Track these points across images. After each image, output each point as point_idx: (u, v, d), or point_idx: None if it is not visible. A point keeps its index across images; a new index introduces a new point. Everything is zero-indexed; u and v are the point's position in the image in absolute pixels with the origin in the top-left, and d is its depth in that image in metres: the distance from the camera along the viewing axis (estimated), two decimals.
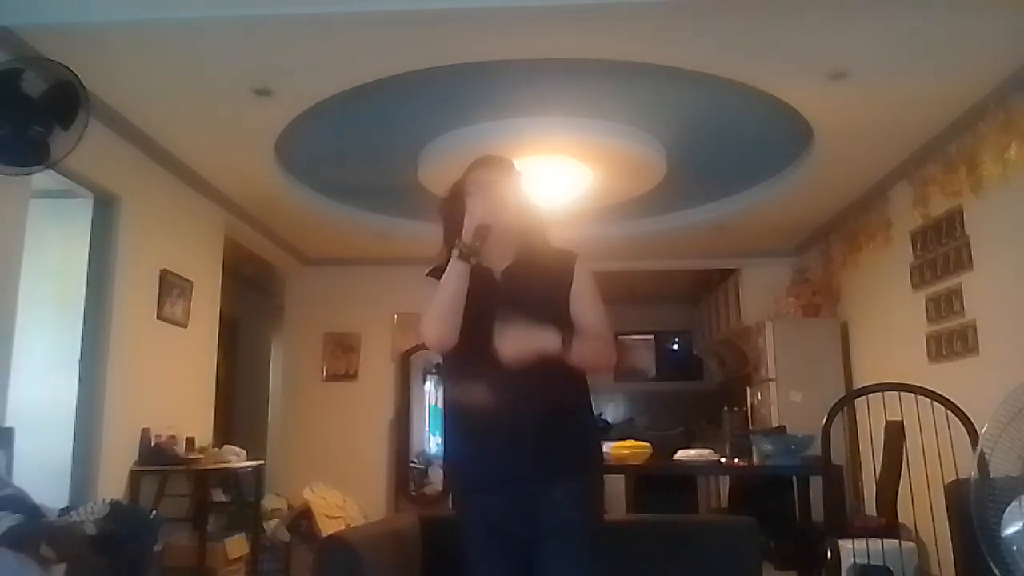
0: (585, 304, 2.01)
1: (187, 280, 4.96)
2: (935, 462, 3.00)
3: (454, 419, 2.05)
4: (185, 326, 4.95)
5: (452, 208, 2.04)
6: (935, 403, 3.16)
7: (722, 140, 4.72)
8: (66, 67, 3.20)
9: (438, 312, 1.92)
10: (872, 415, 3.42)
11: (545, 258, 2.06)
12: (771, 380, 6.13)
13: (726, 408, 6.96)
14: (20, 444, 3.28)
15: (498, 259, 2.02)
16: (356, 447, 6.97)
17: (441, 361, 2.07)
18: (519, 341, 1.85)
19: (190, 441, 4.68)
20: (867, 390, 3.39)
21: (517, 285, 1.99)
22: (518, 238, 2.04)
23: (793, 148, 4.85)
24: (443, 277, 1.93)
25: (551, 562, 1.87)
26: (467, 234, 1.92)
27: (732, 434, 5.79)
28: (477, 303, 1.91)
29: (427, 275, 2.08)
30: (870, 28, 3.31)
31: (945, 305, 4.45)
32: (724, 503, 5.95)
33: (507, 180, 2.04)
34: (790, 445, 4.01)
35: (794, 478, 4.21)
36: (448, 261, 1.95)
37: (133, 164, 4.38)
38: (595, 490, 2.00)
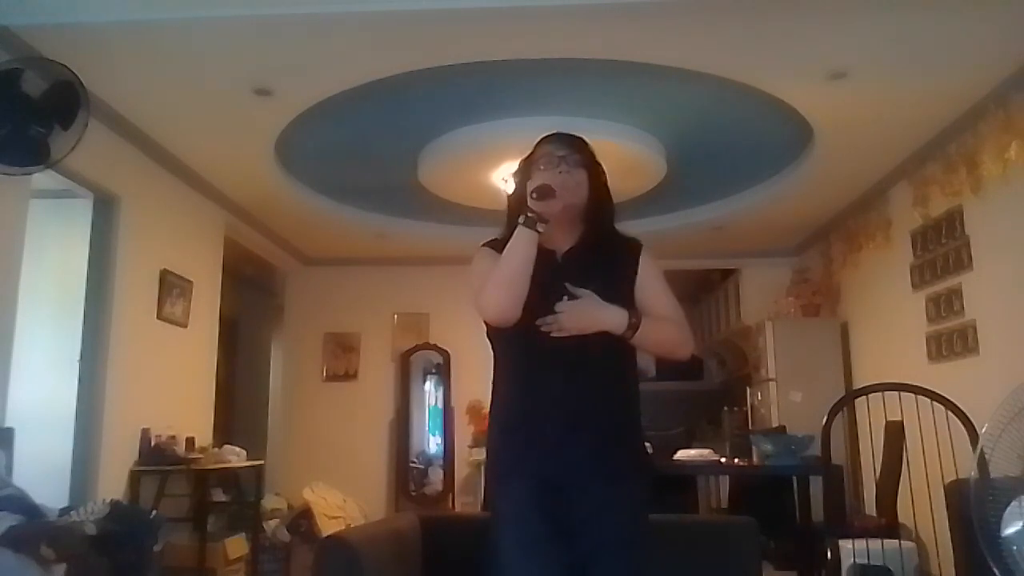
0: (654, 291, 1.90)
1: (187, 280, 4.96)
2: (935, 462, 3.00)
3: (502, 405, 1.91)
4: (185, 326, 4.95)
5: (522, 182, 1.89)
6: (935, 403, 3.15)
7: (722, 140, 4.72)
8: (66, 67, 3.20)
9: (503, 280, 1.77)
10: (872, 415, 3.42)
11: (610, 243, 1.94)
12: (771, 380, 6.12)
13: (726, 408, 6.97)
14: (20, 444, 3.28)
15: (561, 240, 1.90)
16: (356, 447, 6.97)
17: (493, 341, 1.92)
18: (583, 314, 1.77)
19: (190, 441, 4.68)
20: (867, 390, 3.39)
21: (580, 267, 1.86)
22: (585, 220, 1.92)
23: (793, 148, 4.85)
24: (508, 245, 1.79)
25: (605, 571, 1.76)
26: (531, 185, 1.79)
27: (732, 434, 5.80)
28: (537, 283, 1.77)
29: (483, 245, 1.95)
30: (870, 28, 3.31)
31: (945, 305, 4.45)
32: (724, 503, 5.95)
33: (580, 157, 1.90)
34: (790, 445, 4.01)
35: (794, 478, 4.20)
36: (508, 237, 1.82)
37: (133, 164, 4.38)
38: (647, 497, 1.89)
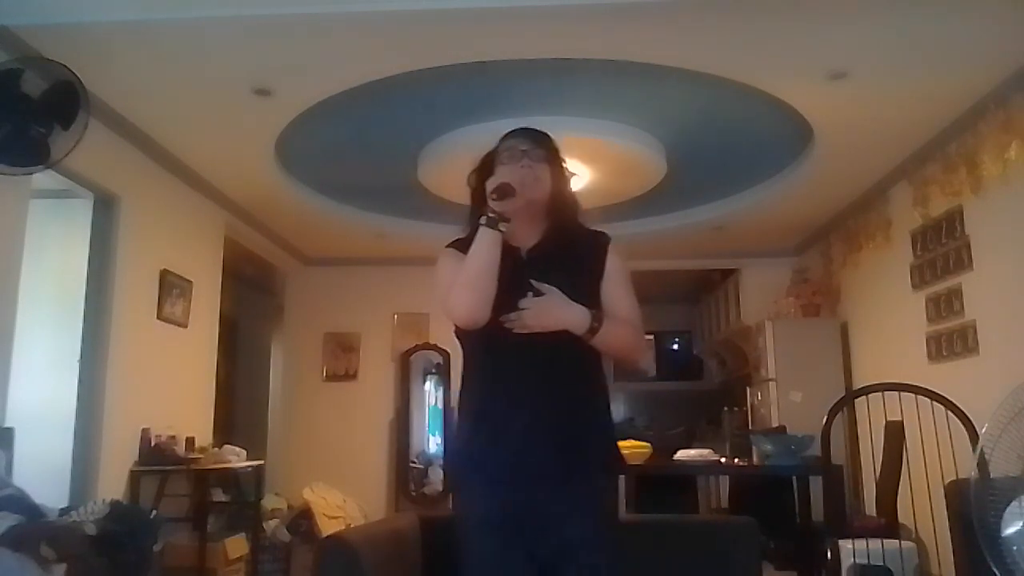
0: (617, 290, 1.88)
1: (187, 280, 4.96)
2: (935, 462, 3.00)
3: (468, 404, 1.88)
4: (185, 326, 4.95)
5: (482, 179, 1.85)
6: (935, 403, 3.16)
7: (722, 140, 4.72)
8: (66, 67, 3.20)
9: (469, 283, 1.75)
10: (872, 415, 3.42)
11: (576, 238, 1.91)
12: (771, 380, 6.12)
13: (726, 408, 6.96)
14: (20, 444, 3.28)
15: (525, 236, 1.87)
16: (356, 447, 6.97)
17: (461, 342, 1.90)
18: (545, 311, 1.75)
19: (190, 441, 4.68)
20: (867, 390, 3.39)
21: (544, 264, 1.83)
22: (548, 215, 1.89)
23: (793, 148, 4.85)
24: (472, 247, 1.77)
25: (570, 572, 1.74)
26: (490, 185, 1.76)
27: (732, 434, 5.79)
28: (501, 282, 1.76)
29: (447, 246, 1.93)
30: (870, 28, 3.31)
31: (945, 305, 4.45)
32: (724, 503, 5.95)
33: (543, 152, 1.88)
34: (790, 445, 4.00)
35: (794, 478, 4.20)
36: (473, 236, 1.80)
37: (133, 164, 4.38)
38: (613, 492, 1.89)
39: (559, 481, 1.76)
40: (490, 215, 1.76)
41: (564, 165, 1.94)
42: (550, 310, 1.77)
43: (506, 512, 1.76)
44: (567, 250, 1.88)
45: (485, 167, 1.91)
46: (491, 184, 1.77)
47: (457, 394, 1.94)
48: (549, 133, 1.96)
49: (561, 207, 1.91)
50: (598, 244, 1.92)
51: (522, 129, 1.96)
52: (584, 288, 1.83)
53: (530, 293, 1.77)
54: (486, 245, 1.76)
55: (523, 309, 1.76)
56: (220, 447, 5.05)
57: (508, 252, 1.81)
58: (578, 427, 1.80)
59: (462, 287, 1.77)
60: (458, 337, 1.89)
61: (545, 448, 1.76)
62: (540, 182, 1.83)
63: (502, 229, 1.76)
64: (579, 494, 1.77)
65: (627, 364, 1.91)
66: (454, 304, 1.78)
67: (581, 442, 1.80)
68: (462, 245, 1.86)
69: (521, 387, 1.79)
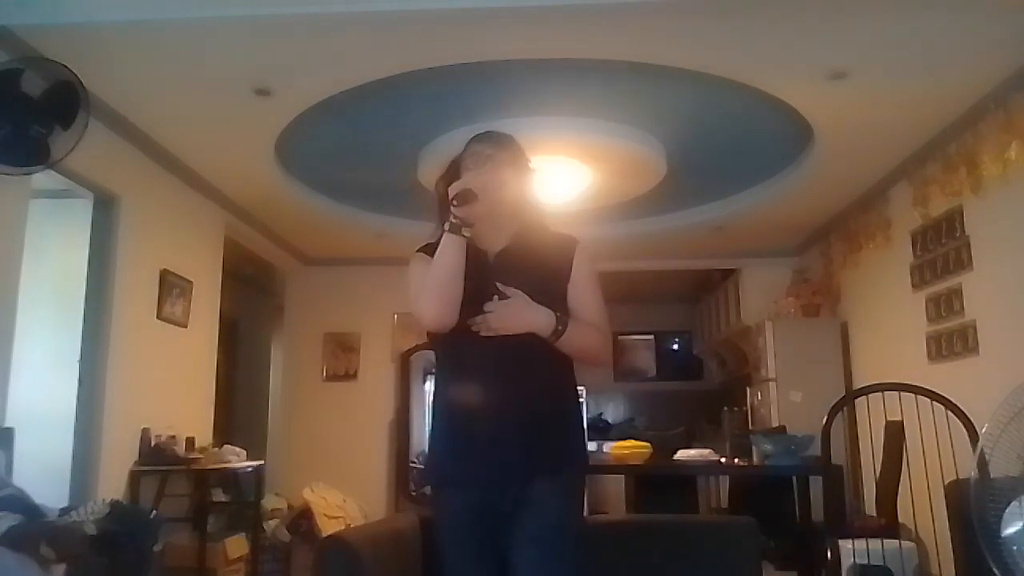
0: (584, 294, 1.91)
1: (187, 280, 4.96)
2: (935, 462, 3.00)
3: (438, 407, 1.94)
4: (185, 326, 4.95)
5: (448, 184, 1.89)
6: (935, 403, 3.16)
7: (722, 140, 4.72)
8: (66, 67, 3.20)
9: (435, 288, 1.80)
10: (872, 415, 3.42)
11: (543, 242, 1.95)
12: (771, 380, 6.12)
13: (726, 408, 6.97)
14: (20, 444, 3.28)
15: (492, 240, 1.92)
16: (356, 447, 6.96)
17: (432, 345, 1.97)
18: (510, 314, 1.79)
19: (190, 441, 4.68)
20: (867, 390, 3.39)
21: (511, 268, 1.88)
22: (515, 219, 1.94)
23: (793, 148, 4.85)
24: (437, 252, 1.82)
25: (526, 567, 1.78)
26: (453, 190, 1.80)
27: (732, 434, 5.80)
28: (468, 285, 1.81)
29: (417, 251, 1.97)
30: (870, 28, 3.31)
31: (945, 305, 4.45)
32: (724, 503, 5.96)
33: (506, 155, 1.93)
34: (790, 445, 4.00)
35: (794, 478, 4.20)
36: (440, 239, 1.85)
37: (133, 164, 4.38)
38: (576, 489, 1.92)
39: (525, 481, 1.81)
40: (453, 220, 1.80)
41: (529, 168, 1.98)
42: (514, 313, 1.81)
43: (473, 512, 1.83)
44: (534, 253, 1.92)
45: (451, 172, 1.96)
46: (453, 190, 1.81)
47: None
48: (513, 136, 2.01)
49: (527, 211, 1.96)
50: (566, 247, 1.95)
51: (486, 133, 2.01)
52: (551, 291, 1.87)
53: (495, 296, 1.82)
54: (450, 250, 1.81)
55: (487, 312, 1.80)
56: (220, 447, 5.05)
57: (476, 255, 1.87)
58: (544, 428, 1.85)
59: (429, 292, 1.81)
60: (429, 339, 1.95)
61: (511, 449, 1.81)
62: (503, 185, 1.85)
63: (465, 234, 1.81)
64: (542, 490, 1.81)
65: (592, 366, 1.96)
66: (422, 308, 1.83)
67: (548, 442, 1.84)
68: (431, 249, 1.89)
69: (488, 388, 1.83)
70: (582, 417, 2.00)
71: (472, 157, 1.94)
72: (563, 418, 1.93)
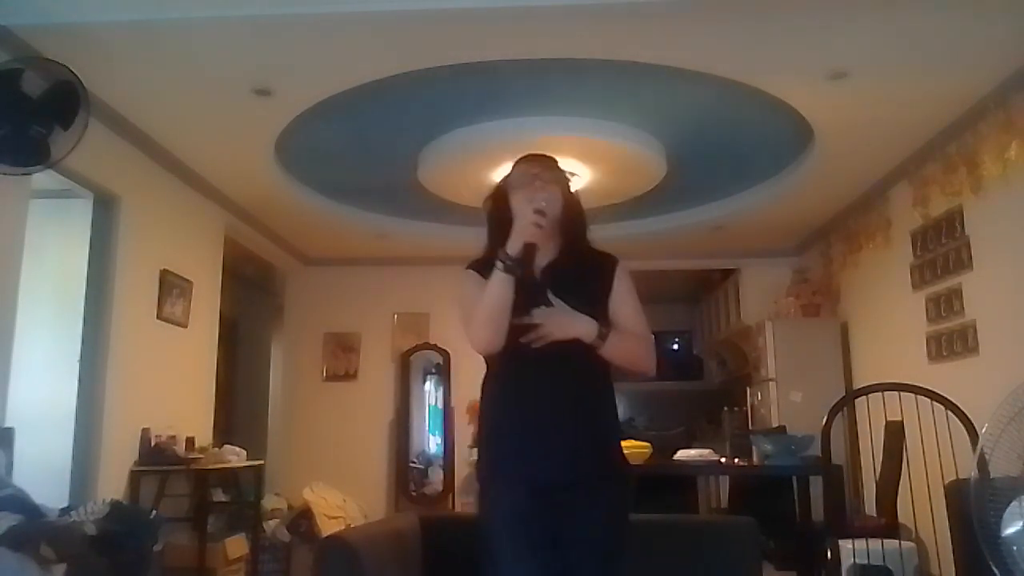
0: (624, 305, 2.03)
1: (187, 280, 4.96)
2: (935, 462, 3.00)
3: (495, 409, 2.04)
4: (185, 326, 4.95)
5: (498, 206, 2.06)
6: (935, 403, 3.16)
7: (722, 140, 4.72)
8: (66, 67, 3.20)
9: (486, 320, 1.93)
10: (872, 415, 3.42)
11: (586, 258, 2.08)
12: (771, 380, 6.12)
13: (726, 408, 6.97)
14: (20, 444, 3.28)
15: (540, 254, 2.02)
16: (356, 447, 6.97)
17: (484, 357, 2.08)
18: (556, 321, 1.90)
19: (190, 441, 4.68)
20: (867, 390, 3.39)
21: (558, 282, 1.99)
22: (561, 236, 2.06)
23: (793, 148, 4.85)
24: (488, 286, 1.93)
25: (579, 564, 1.89)
26: (513, 248, 1.92)
27: (732, 434, 5.81)
28: (516, 300, 1.92)
29: (467, 268, 2.09)
30: (870, 28, 3.31)
31: (945, 305, 4.45)
32: (724, 503, 5.95)
33: (551, 175, 2.07)
34: (790, 445, 4.01)
35: (794, 478, 4.21)
36: (489, 256, 1.97)
37: (133, 164, 4.38)
38: (628, 491, 2.03)
39: (577, 487, 1.92)
40: (508, 263, 1.92)
41: (573, 188, 2.14)
42: (561, 319, 1.92)
43: (532, 520, 1.90)
44: (579, 269, 2.05)
45: (499, 193, 2.09)
46: (516, 238, 1.92)
47: (479, 400, 2.09)
48: (556, 159, 2.15)
49: (572, 227, 2.09)
50: (607, 264, 2.09)
51: (532, 155, 2.14)
52: (595, 305, 1.99)
53: (542, 306, 1.92)
54: (502, 288, 1.92)
55: (536, 320, 1.90)
56: (220, 447, 5.05)
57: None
58: (591, 434, 1.97)
59: (481, 323, 1.94)
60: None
61: (562, 454, 1.92)
62: (552, 206, 1.99)
63: (517, 274, 1.92)
64: (595, 503, 1.93)
65: (637, 371, 2.08)
66: (473, 336, 1.96)
67: (594, 448, 1.96)
68: (480, 266, 2.02)
69: (538, 396, 1.95)
70: (620, 428, 2.14)
71: (520, 177, 2.06)
72: (609, 427, 2.04)
